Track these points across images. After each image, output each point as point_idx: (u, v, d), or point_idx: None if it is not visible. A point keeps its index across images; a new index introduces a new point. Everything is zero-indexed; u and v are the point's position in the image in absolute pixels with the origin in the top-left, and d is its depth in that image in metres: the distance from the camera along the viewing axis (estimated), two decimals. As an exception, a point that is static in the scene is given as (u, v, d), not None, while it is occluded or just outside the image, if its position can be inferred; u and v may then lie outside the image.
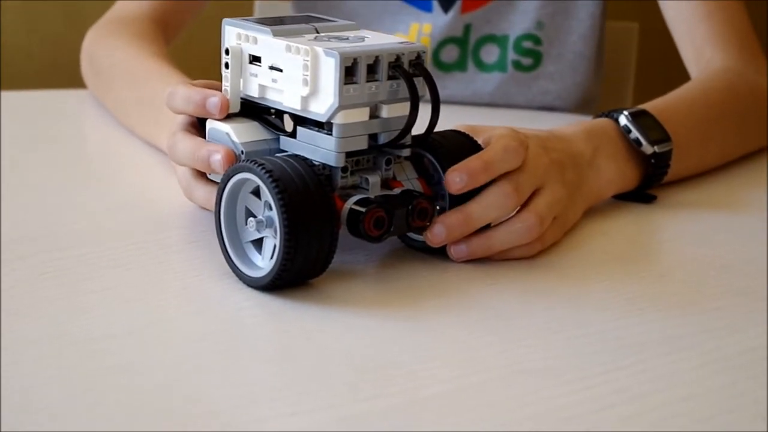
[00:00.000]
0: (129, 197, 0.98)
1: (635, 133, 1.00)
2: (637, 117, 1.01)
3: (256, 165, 0.78)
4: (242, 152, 0.83)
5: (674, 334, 0.78)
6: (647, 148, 1.00)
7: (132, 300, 0.79)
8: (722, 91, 1.13)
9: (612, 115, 1.02)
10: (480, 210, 0.85)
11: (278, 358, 0.74)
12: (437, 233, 0.84)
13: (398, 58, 0.81)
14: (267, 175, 0.78)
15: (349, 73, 0.79)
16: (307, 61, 0.80)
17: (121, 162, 1.09)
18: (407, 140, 0.83)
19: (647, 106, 1.04)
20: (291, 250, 0.77)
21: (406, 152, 0.84)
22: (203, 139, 0.87)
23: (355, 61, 0.79)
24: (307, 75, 0.80)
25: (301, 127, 0.82)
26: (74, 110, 1.26)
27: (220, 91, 0.85)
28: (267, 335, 0.77)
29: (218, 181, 0.83)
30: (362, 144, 0.82)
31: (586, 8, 1.36)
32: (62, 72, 1.96)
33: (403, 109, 0.82)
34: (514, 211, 0.87)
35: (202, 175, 0.89)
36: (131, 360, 0.71)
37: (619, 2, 1.87)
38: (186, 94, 0.87)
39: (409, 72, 0.81)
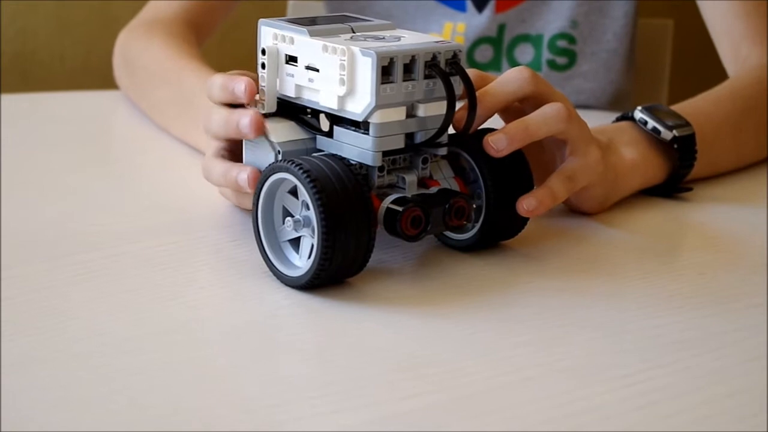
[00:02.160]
0: (165, 197, 0.99)
1: (652, 123, 0.99)
2: (651, 109, 1.01)
3: (294, 165, 0.78)
4: (279, 152, 0.83)
5: (715, 331, 0.77)
6: (666, 134, 0.99)
7: (168, 299, 0.79)
8: (753, 86, 1.12)
9: (626, 114, 1.01)
10: (538, 122, 0.86)
11: (316, 356, 0.74)
12: (498, 140, 0.84)
13: (434, 57, 0.81)
14: (305, 175, 0.78)
15: (385, 72, 0.79)
16: (344, 60, 0.80)
17: (157, 162, 1.09)
18: (444, 139, 0.83)
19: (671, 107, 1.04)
20: (329, 249, 0.77)
21: (443, 151, 0.83)
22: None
23: (391, 61, 0.79)
24: (344, 74, 0.80)
25: (338, 127, 0.82)
26: (107, 111, 1.27)
27: (256, 81, 0.85)
28: (305, 333, 0.77)
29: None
30: (399, 143, 0.82)
31: (620, 6, 1.36)
32: (94, 74, 1.97)
33: (440, 108, 0.81)
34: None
35: (223, 156, 0.90)
36: (167, 359, 0.71)
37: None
38: (222, 82, 0.87)
39: (446, 71, 0.81)
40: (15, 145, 1.10)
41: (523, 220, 0.87)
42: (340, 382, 0.70)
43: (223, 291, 0.82)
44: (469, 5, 1.36)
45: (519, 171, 0.86)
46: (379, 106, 0.79)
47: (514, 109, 0.90)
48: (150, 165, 1.09)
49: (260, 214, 0.82)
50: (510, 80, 0.88)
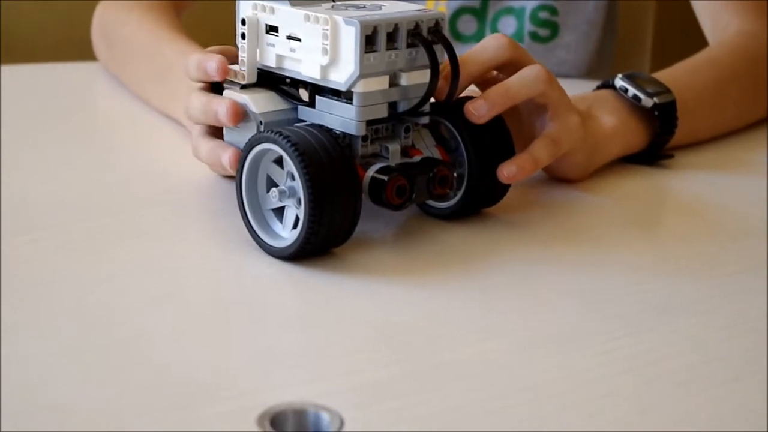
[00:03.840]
0: (147, 168, 0.99)
1: (632, 90, 0.99)
2: (631, 76, 1.01)
3: (281, 137, 0.78)
4: (261, 122, 0.83)
5: (697, 297, 0.78)
6: (647, 101, 0.99)
7: (151, 269, 0.80)
8: (732, 54, 1.13)
9: (607, 82, 1.02)
10: (518, 84, 0.86)
11: (298, 325, 0.75)
12: (479, 106, 0.84)
13: (417, 25, 0.81)
14: (292, 147, 0.77)
15: (369, 41, 0.79)
16: (327, 30, 0.80)
17: (138, 133, 1.09)
18: (426, 108, 0.83)
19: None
20: (316, 221, 0.77)
21: (425, 120, 0.83)
22: (216, 95, 0.87)
23: (374, 30, 0.79)
24: (326, 44, 0.80)
25: (320, 96, 0.82)
26: (88, 83, 1.26)
27: (236, 56, 0.85)
28: (287, 303, 0.78)
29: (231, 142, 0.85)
30: (382, 112, 0.82)
31: (602, -23, 1.36)
32: (77, 46, 1.96)
33: (423, 76, 0.81)
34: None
35: (209, 134, 0.90)
36: (150, 330, 0.71)
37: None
38: (198, 60, 0.87)
39: (428, 39, 0.81)
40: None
41: (505, 188, 0.87)
42: (321, 349, 0.70)
43: (205, 261, 0.82)
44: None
45: (500, 138, 0.86)
46: (362, 75, 0.79)
47: (492, 79, 0.90)
48: (132, 136, 1.09)
49: (244, 184, 0.82)
50: (487, 47, 0.88)
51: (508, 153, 0.86)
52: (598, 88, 1.02)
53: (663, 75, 1.05)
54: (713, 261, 0.84)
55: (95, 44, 1.26)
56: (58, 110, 1.16)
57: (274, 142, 0.79)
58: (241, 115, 0.84)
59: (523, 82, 0.87)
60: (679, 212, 0.97)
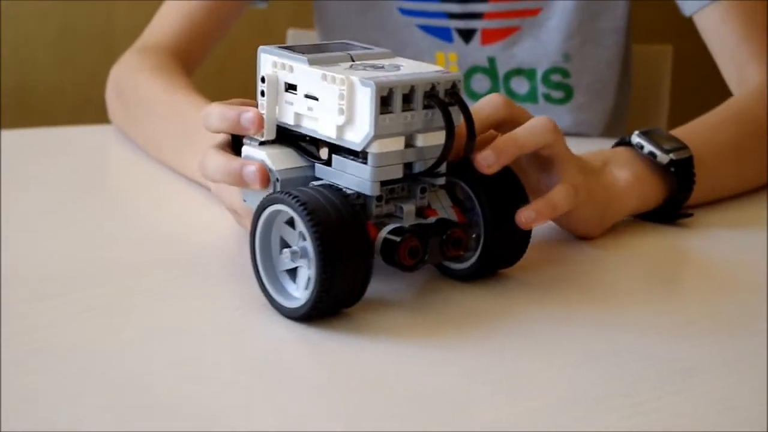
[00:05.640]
0: (165, 231, 0.98)
1: (648, 147, 0.99)
2: (648, 133, 1.00)
3: (290, 197, 0.78)
4: (278, 180, 0.83)
5: (725, 358, 0.77)
6: (663, 158, 0.98)
7: (170, 334, 0.79)
8: (756, 108, 1.12)
9: (624, 139, 1.01)
10: (526, 134, 0.86)
11: (320, 390, 0.73)
12: (487, 156, 0.84)
13: (434, 87, 0.81)
14: (301, 207, 0.77)
15: (384, 102, 0.79)
16: (343, 90, 0.79)
17: (156, 196, 1.09)
18: (442, 169, 0.82)
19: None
20: (326, 281, 0.77)
21: (441, 181, 0.83)
22: (235, 156, 0.86)
23: (390, 91, 0.79)
24: (342, 104, 0.80)
25: (336, 156, 0.82)
26: (106, 145, 1.26)
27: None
28: (307, 368, 0.77)
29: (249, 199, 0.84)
30: (398, 173, 0.81)
31: (611, 35, 1.35)
32: (96, 108, 1.97)
33: (439, 137, 0.81)
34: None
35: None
36: (170, 396, 0.71)
37: (653, 25, 1.87)
38: (221, 111, 0.86)
39: (445, 101, 0.80)
40: (14, 181, 1.10)
41: (522, 248, 0.86)
42: (347, 416, 0.69)
43: (224, 324, 0.81)
44: (456, 36, 1.35)
45: (515, 194, 0.86)
46: (377, 136, 0.79)
47: (490, 138, 0.88)
48: (150, 199, 1.09)
49: (258, 245, 0.81)
50: (484, 106, 0.89)
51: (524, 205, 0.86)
52: (616, 145, 1.02)
53: (682, 131, 1.04)
54: (735, 320, 0.83)
55: (110, 105, 1.26)
56: (75, 173, 1.16)
57: (285, 202, 0.79)
58: (268, 177, 0.84)
59: (531, 131, 0.87)
60: (699, 271, 0.95)
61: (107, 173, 1.21)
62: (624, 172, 0.97)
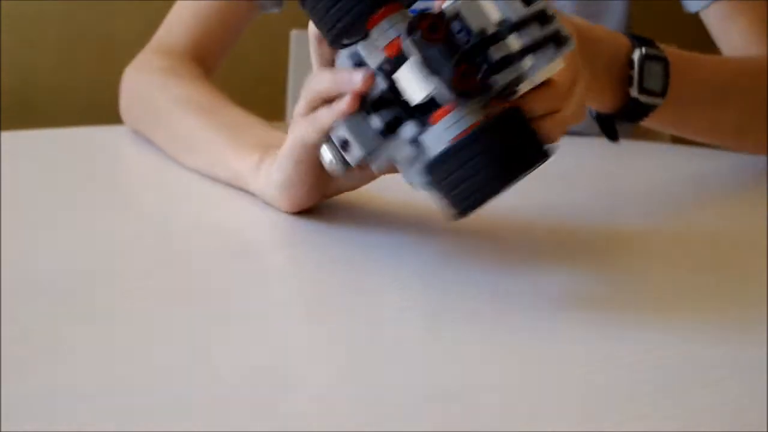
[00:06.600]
0: (169, 231, 0.98)
1: (634, 73, 1.01)
2: (650, 59, 1.01)
3: None
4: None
5: (725, 358, 0.77)
6: (632, 91, 1.01)
7: (190, 333, 0.79)
8: (757, 68, 1.14)
9: (635, 42, 1.02)
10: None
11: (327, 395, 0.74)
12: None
13: None
14: None
15: None
16: None
17: (161, 195, 1.09)
18: None
19: (674, 53, 1.05)
20: None
21: None
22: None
23: None
24: None
25: None
26: (109, 146, 1.26)
27: None
28: (320, 374, 0.76)
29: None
30: None
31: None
32: (99, 110, 1.98)
33: None
34: None
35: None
36: (171, 396, 0.71)
37: (653, 25, 1.87)
38: (330, 76, 0.87)
39: None
40: (17, 184, 1.10)
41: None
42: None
43: (241, 328, 0.81)
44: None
45: None
46: None
47: None
48: (151, 199, 1.09)
49: None
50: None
51: None
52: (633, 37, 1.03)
53: (682, 57, 1.06)
54: (736, 321, 0.83)
55: (125, 109, 1.25)
56: (86, 175, 1.15)
57: None
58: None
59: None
60: (700, 271, 0.95)
61: (109, 174, 1.21)
62: (601, 72, 0.99)
